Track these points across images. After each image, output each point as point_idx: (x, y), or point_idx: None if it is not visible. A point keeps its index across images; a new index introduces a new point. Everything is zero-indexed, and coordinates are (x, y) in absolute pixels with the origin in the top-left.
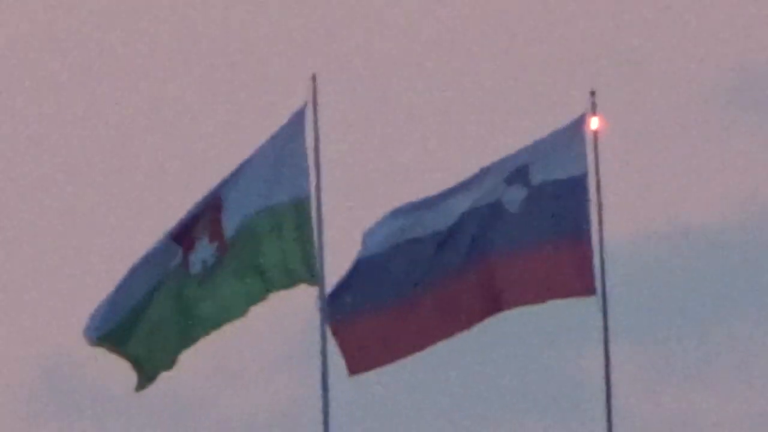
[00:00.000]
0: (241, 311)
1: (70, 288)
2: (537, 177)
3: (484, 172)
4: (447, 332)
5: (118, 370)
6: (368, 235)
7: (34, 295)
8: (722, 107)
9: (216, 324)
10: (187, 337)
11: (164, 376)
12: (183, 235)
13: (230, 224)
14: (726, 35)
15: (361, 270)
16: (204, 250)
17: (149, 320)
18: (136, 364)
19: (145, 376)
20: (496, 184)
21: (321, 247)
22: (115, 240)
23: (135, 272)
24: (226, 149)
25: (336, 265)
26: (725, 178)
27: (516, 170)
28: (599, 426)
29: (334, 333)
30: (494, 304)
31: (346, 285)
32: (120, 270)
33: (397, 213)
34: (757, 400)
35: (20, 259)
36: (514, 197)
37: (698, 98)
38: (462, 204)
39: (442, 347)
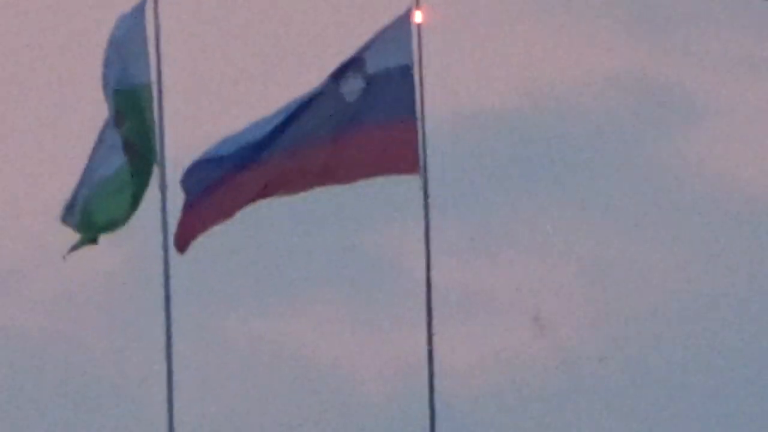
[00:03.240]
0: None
1: None
2: (372, 68)
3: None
4: (271, 193)
5: None
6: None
7: None
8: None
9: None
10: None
11: None
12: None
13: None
14: None
15: (203, 166)
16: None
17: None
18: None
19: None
20: (332, 77)
21: (162, 130)
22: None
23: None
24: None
25: (175, 148)
26: (539, 64)
27: (352, 61)
28: (419, 300)
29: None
30: (324, 179)
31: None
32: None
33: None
34: (562, 268)
35: None
36: (353, 87)
37: None
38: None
39: (266, 219)
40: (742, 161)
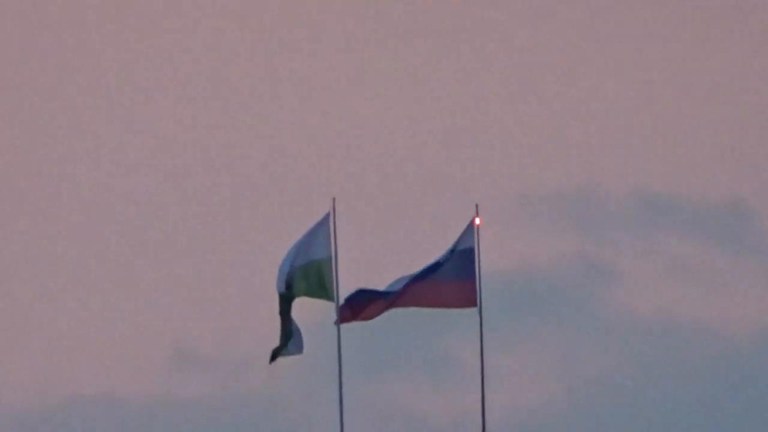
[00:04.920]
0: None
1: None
2: (457, 247)
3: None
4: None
5: None
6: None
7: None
8: None
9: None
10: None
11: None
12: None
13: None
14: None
15: (365, 293)
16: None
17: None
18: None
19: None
20: (440, 260)
21: (338, 283)
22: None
23: None
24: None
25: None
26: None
27: (452, 249)
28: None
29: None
30: (426, 302)
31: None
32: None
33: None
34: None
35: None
36: (447, 256)
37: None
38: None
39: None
40: (646, 304)
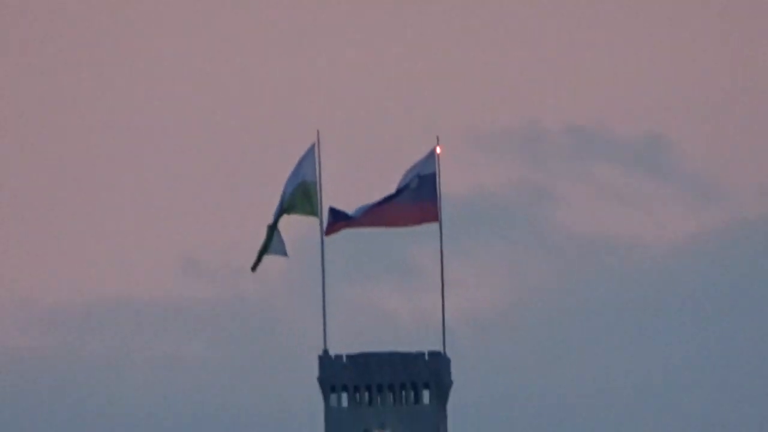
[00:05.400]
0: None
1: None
2: (421, 172)
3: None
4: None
5: None
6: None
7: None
8: None
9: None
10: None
11: None
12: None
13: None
14: None
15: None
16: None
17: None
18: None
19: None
20: (404, 185)
21: (321, 203)
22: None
23: None
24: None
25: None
26: None
27: (416, 173)
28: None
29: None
30: (393, 222)
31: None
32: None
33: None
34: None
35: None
36: (413, 181)
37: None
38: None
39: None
40: (581, 222)
